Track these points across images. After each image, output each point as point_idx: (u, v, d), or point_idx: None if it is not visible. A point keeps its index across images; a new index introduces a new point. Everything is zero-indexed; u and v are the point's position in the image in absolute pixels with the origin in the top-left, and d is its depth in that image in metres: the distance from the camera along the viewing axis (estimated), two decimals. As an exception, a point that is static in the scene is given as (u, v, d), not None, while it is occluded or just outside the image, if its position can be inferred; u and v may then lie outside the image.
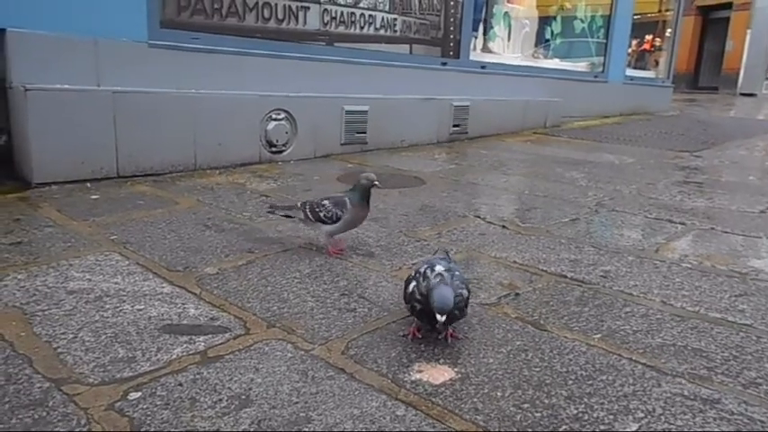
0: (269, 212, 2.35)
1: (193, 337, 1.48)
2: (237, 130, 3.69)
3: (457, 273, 1.50)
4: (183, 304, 1.67)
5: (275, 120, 3.85)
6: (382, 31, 4.78)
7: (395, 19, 4.86)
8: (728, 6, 19.72)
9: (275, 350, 1.43)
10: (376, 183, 2.12)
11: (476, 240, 2.41)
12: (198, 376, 1.30)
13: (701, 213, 2.96)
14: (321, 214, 2.10)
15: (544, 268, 2.10)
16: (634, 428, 1.18)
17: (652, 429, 1.17)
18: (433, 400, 1.26)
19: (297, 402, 1.22)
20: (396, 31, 4.90)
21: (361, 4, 4.55)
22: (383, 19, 4.76)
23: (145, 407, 1.18)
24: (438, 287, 1.39)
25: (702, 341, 1.57)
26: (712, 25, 21.10)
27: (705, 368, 1.42)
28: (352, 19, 4.51)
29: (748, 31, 18.60)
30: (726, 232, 2.64)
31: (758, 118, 10.14)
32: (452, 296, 1.37)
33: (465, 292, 1.46)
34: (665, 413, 1.23)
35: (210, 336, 1.49)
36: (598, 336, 1.58)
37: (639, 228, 2.69)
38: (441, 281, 1.41)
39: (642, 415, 1.22)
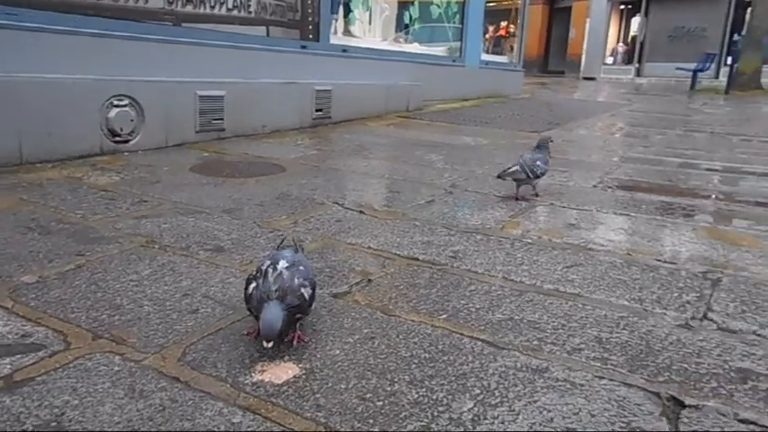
0: (498, 178, 2.89)
1: (-2, 359, 1.29)
2: (73, 118, 3.33)
3: (302, 268, 1.43)
4: (-10, 322, 1.46)
5: (117, 106, 3.53)
6: (235, 12, 4.55)
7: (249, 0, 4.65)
8: (571, -4, 21.56)
9: (99, 365, 1.29)
10: (551, 140, 3.11)
11: (332, 228, 2.38)
12: (-1, 406, 1.13)
13: (542, 190, 3.18)
14: (538, 171, 2.86)
15: (398, 252, 2.13)
16: (470, 406, 1.22)
17: (487, 404, 1.22)
18: (274, 401, 1.20)
19: (119, 422, 1.10)
20: (250, 12, 4.70)
21: (210, -18, 4.30)
22: (235, -1, 4.53)
23: (-77, 452, 1.00)
24: (267, 309, 1.30)
25: (537, 313, 1.67)
26: (558, 14, 22.99)
27: (537, 339, 1.51)
28: (201, -2, 4.25)
29: (587, 20, 20.50)
30: (563, 207, 2.86)
31: (598, 100, 11.20)
32: (280, 319, 1.29)
33: (309, 290, 1.40)
34: (498, 387, 1.29)
35: (20, 356, 1.31)
36: (444, 316, 1.63)
37: (489, 206, 2.83)
38: (278, 288, 1.34)
39: (479, 392, 1.27)
